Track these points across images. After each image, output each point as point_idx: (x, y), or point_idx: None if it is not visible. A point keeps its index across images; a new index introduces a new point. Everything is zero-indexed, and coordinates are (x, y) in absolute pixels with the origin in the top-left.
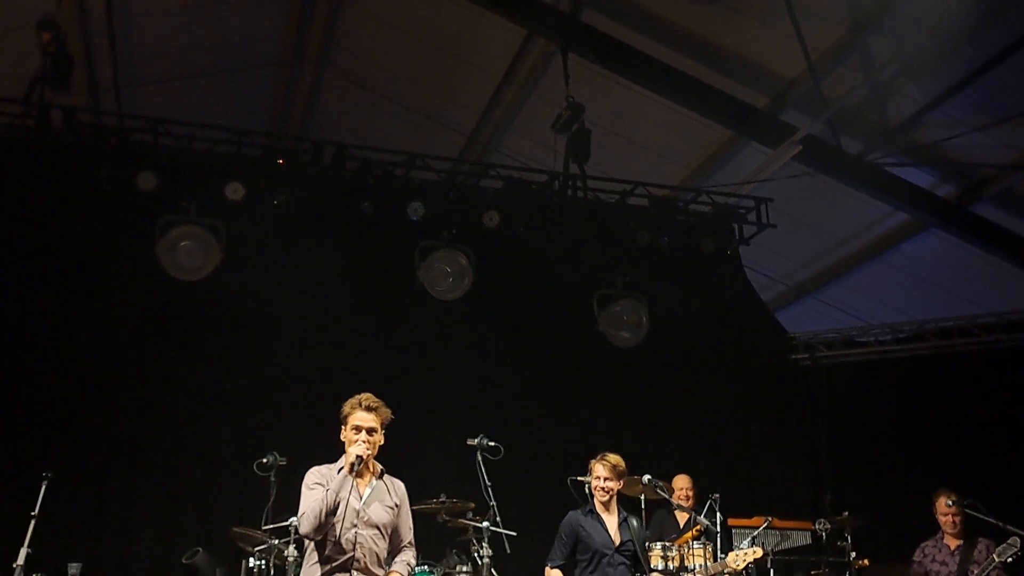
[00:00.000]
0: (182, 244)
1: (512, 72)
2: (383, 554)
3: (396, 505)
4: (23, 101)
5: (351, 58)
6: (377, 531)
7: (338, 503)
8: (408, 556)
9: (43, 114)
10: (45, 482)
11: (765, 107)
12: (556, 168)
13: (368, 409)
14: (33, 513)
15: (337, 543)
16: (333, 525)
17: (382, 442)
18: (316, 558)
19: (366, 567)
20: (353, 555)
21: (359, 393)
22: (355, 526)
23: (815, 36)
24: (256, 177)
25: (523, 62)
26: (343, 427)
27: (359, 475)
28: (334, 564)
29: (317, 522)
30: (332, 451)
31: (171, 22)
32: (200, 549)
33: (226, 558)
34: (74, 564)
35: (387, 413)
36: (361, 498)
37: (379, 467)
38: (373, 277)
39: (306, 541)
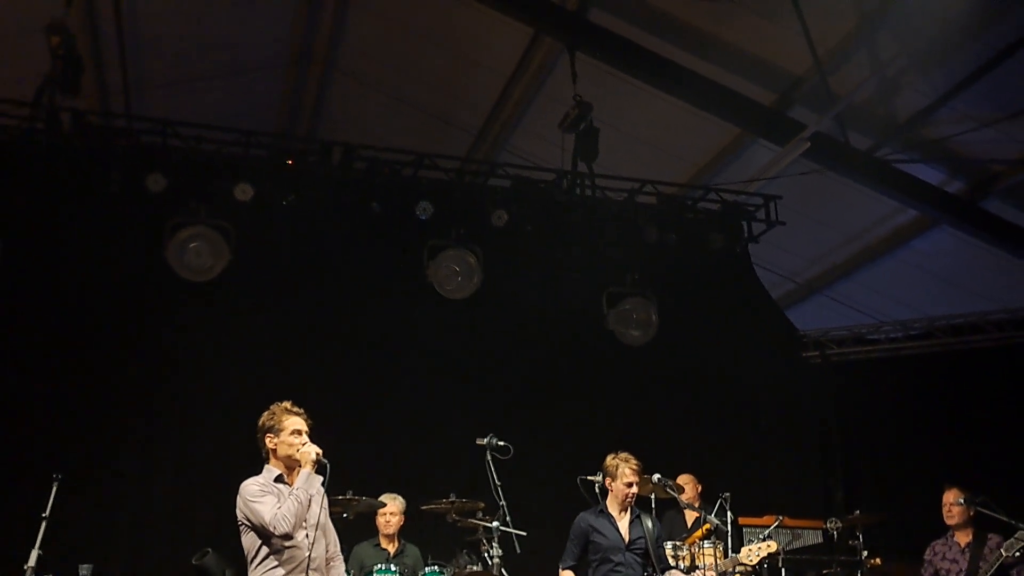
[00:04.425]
0: (191, 245)
1: (519, 71)
2: (324, 554)
3: (326, 507)
4: (33, 104)
5: (359, 58)
6: (321, 533)
7: (311, 500)
8: (343, 569)
9: (53, 117)
10: (55, 484)
11: (773, 104)
12: (564, 167)
13: (298, 414)
14: (44, 515)
15: (294, 546)
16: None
17: None
18: (275, 562)
19: (319, 567)
20: (309, 555)
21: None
22: (305, 528)
23: (822, 32)
24: (265, 178)
25: (530, 61)
26: (271, 436)
27: (293, 482)
28: (294, 566)
29: (296, 519)
30: (340, 450)
31: (179, 24)
32: (210, 550)
33: (236, 559)
34: (85, 566)
35: (310, 422)
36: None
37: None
38: (382, 276)
39: (252, 549)
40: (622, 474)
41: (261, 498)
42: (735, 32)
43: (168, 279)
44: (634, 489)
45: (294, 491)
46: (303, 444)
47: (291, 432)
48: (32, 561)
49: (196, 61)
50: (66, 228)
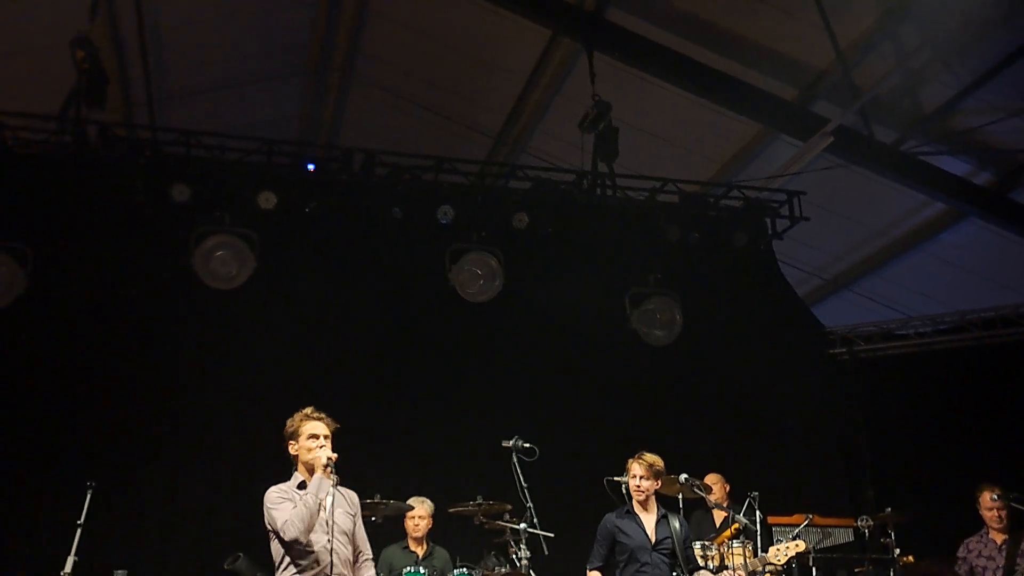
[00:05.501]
0: (217, 253)
1: (538, 73)
2: (351, 557)
3: (353, 513)
4: (60, 118)
5: (377, 65)
6: (346, 537)
7: (320, 503)
8: (372, 573)
9: (79, 130)
10: (89, 491)
11: (795, 99)
12: (584, 167)
13: (318, 419)
14: (79, 521)
15: (314, 551)
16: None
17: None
18: (297, 568)
19: (341, 573)
20: (331, 561)
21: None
22: (327, 533)
23: (844, 25)
24: (287, 186)
25: (548, 62)
26: (293, 442)
27: None
28: (316, 571)
29: (304, 524)
30: (367, 454)
31: (200, 36)
32: (241, 555)
33: (267, 563)
34: (119, 571)
35: (332, 423)
36: (324, 508)
37: (336, 477)
38: (404, 281)
39: (277, 555)
40: (629, 469)
41: (279, 505)
42: (755, 28)
43: (194, 287)
44: (640, 483)
45: (304, 496)
46: (319, 448)
47: (308, 437)
48: (68, 567)
49: (217, 72)
50: (93, 238)
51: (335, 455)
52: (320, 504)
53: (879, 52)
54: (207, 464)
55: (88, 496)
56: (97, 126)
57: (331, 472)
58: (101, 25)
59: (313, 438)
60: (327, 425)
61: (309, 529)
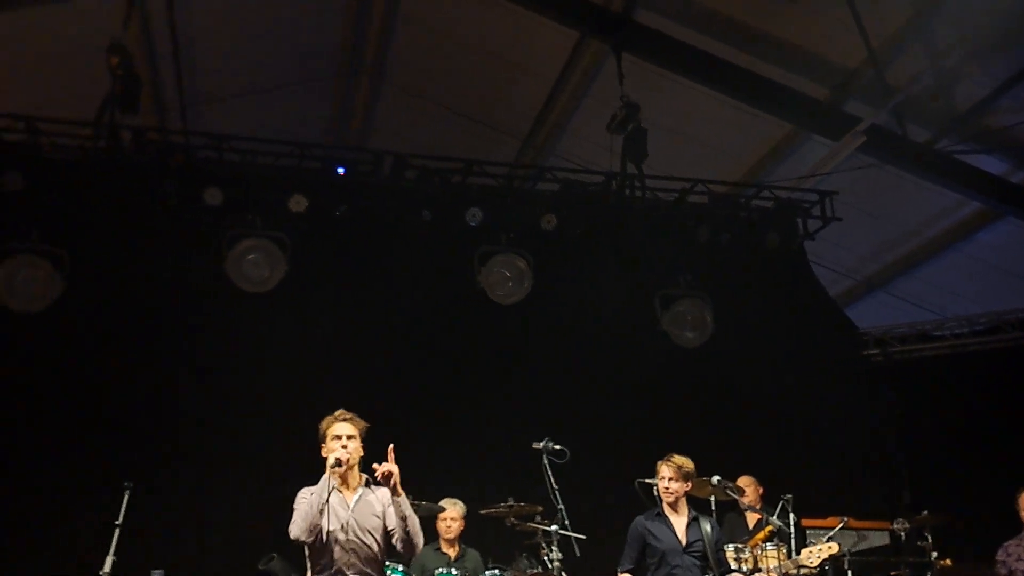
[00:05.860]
0: (249, 256)
1: (565, 75)
2: (379, 555)
3: (383, 511)
4: (95, 124)
5: (406, 68)
6: (369, 536)
7: (322, 503)
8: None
9: (114, 135)
10: (127, 492)
11: (826, 99)
12: (613, 169)
13: (344, 420)
14: (117, 522)
15: (329, 550)
16: (329, 534)
17: (362, 452)
18: (313, 564)
19: (360, 571)
20: (348, 559)
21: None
22: (346, 533)
23: (876, 23)
24: (318, 189)
25: (576, 64)
26: (323, 444)
27: (346, 485)
28: (331, 571)
29: (305, 523)
30: (398, 456)
31: (231, 41)
32: (275, 555)
33: (300, 563)
34: (157, 571)
35: (362, 424)
36: (349, 507)
37: (364, 477)
38: (434, 283)
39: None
40: (658, 471)
41: (297, 506)
42: (785, 27)
43: (227, 290)
44: (668, 485)
45: (308, 496)
46: (338, 448)
47: (332, 438)
48: (107, 567)
49: (248, 76)
50: (128, 242)
51: (345, 455)
52: (323, 504)
53: (912, 51)
54: (242, 465)
55: (125, 497)
56: (131, 131)
57: (339, 471)
58: (134, 31)
59: (336, 439)
60: (353, 425)
61: (309, 529)
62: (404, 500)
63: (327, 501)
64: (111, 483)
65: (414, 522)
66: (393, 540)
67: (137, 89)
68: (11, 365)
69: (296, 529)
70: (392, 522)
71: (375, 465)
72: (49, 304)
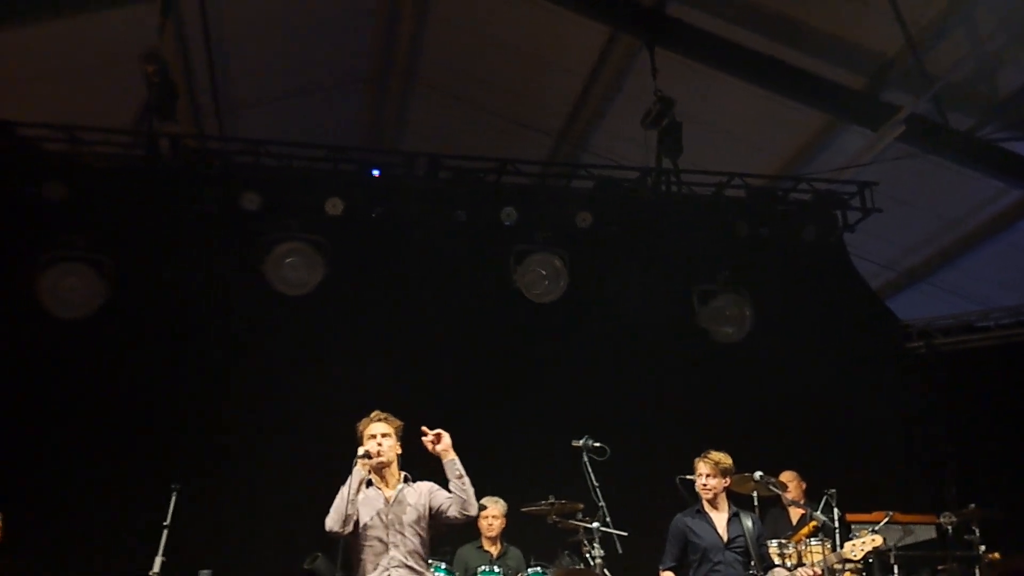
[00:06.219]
0: (288, 260)
1: (598, 70)
2: (420, 548)
3: (422, 503)
4: (133, 132)
5: (437, 69)
6: (411, 529)
7: (352, 495)
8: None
9: (152, 143)
10: (174, 494)
11: (863, 88)
12: (648, 164)
13: (379, 420)
14: (165, 523)
15: (367, 544)
16: (366, 527)
17: (399, 450)
18: (356, 556)
19: (401, 563)
20: (390, 553)
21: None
22: (386, 528)
23: (914, 10)
24: (353, 192)
25: (609, 60)
26: (360, 446)
27: (385, 482)
28: (373, 564)
29: (337, 514)
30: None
31: (264, 47)
32: (320, 554)
33: (347, 563)
34: (204, 572)
35: (397, 422)
36: (388, 503)
37: (403, 474)
38: (470, 283)
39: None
40: (696, 468)
41: (336, 501)
42: (820, 15)
43: (267, 293)
44: (707, 482)
45: (340, 491)
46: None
47: (368, 438)
48: (156, 567)
49: (282, 81)
50: (169, 248)
51: (374, 447)
52: (353, 495)
53: (952, 37)
54: (286, 466)
55: (173, 498)
56: (168, 138)
57: (368, 463)
58: (168, 39)
59: (372, 438)
60: (388, 424)
61: (342, 521)
62: (457, 460)
63: (357, 491)
64: (159, 485)
65: (468, 482)
66: (447, 512)
67: (173, 97)
68: (59, 372)
69: (330, 520)
70: (439, 499)
71: (423, 428)
72: (93, 311)
